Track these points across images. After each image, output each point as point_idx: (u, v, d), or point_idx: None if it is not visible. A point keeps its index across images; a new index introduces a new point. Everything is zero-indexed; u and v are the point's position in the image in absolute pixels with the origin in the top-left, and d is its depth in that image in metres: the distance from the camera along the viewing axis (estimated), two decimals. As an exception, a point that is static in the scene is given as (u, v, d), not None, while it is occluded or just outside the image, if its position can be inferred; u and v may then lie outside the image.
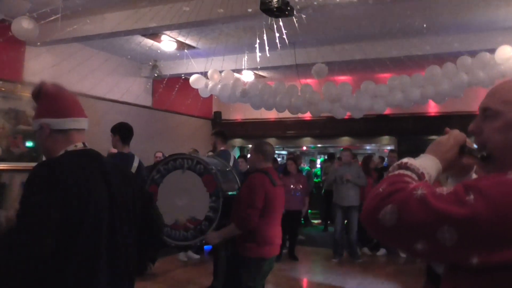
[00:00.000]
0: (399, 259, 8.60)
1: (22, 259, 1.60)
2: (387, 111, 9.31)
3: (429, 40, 7.78)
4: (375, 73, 10.17)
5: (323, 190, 11.74)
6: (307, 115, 9.63)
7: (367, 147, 14.92)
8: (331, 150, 14.02)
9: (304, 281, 7.62)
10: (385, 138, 12.33)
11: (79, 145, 1.97)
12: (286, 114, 9.30)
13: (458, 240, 1.04)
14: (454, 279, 1.15)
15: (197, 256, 8.36)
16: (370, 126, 11.46)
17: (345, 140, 12.57)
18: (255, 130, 12.66)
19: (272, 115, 11.58)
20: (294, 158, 9.43)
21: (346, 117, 8.93)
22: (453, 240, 1.05)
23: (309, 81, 9.22)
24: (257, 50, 7.03)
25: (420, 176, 1.24)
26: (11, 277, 1.62)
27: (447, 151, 1.35)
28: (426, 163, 1.29)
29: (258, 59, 7.34)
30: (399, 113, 10.94)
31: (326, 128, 12.00)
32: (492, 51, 7.18)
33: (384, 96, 8.09)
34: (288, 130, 12.78)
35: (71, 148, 1.95)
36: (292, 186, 8.43)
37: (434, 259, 1.27)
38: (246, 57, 8.43)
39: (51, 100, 1.96)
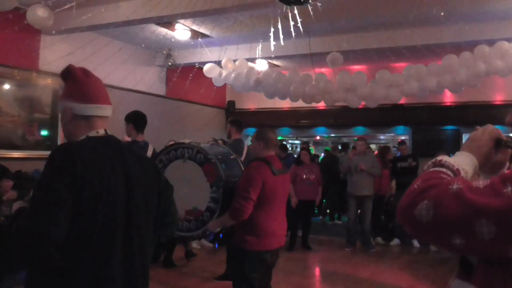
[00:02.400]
0: (412, 249, 8.57)
1: (36, 241, 1.60)
2: (402, 101, 9.21)
3: (446, 28, 7.66)
4: (391, 62, 10.05)
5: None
6: (321, 105, 9.57)
7: (381, 137, 14.82)
8: (345, 140, 13.96)
9: (317, 270, 7.62)
10: (400, 128, 12.23)
11: (101, 132, 1.98)
12: (300, 104, 9.25)
13: (496, 233, 1.03)
14: (489, 270, 1.14)
15: (210, 245, 8.40)
16: (384, 115, 11.35)
17: (359, 130, 12.49)
18: (268, 120, 12.60)
19: (286, 104, 11.55)
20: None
21: (360, 106, 8.87)
22: (491, 233, 1.03)
23: (323, 70, 9.16)
24: (272, 39, 6.99)
25: (455, 172, 1.23)
26: (32, 261, 1.67)
27: (483, 146, 1.34)
28: (461, 160, 1.29)
29: (272, 48, 7.30)
30: (414, 103, 10.79)
31: (340, 117, 11.93)
32: (510, 40, 7.06)
33: (399, 85, 8.01)
34: (301, 120, 12.72)
35: (92, 134, 1.95)
36: (305, 176, 8.43)
37: (472, 253, 1.25)
38: (260, 46, 8.39)
39: (77, 84, 1.98)
